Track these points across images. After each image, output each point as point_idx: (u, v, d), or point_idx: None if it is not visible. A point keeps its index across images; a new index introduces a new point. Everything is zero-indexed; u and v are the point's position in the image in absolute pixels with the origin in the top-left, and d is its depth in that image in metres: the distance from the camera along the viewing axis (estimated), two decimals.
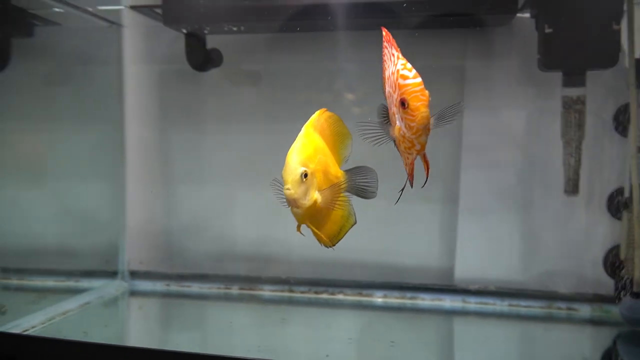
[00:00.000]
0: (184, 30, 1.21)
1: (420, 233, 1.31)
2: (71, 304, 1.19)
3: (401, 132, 0.71)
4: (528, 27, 1.17)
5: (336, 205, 0.80)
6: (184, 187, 1.39)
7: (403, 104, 0.69)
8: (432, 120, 0.72)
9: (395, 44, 0.73)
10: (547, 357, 1.07)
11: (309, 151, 0.75)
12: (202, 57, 1.20)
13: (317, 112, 0.80)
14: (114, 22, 1.30)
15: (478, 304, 1.25)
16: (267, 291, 1.32)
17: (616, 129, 1.20)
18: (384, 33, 0.74)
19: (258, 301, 1.30)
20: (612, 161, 1.22)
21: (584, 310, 1.21)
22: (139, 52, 1.35)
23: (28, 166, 1.32)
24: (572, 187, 1.13)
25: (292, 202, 0.74)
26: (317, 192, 0.76)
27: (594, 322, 1.20)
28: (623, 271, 1.15)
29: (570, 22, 1.07)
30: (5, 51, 1.24)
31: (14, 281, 1.29)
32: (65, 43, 1.31)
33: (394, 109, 0.72)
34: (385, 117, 0.77)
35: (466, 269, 1.27)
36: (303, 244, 1.33)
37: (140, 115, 1.38)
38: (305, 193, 0.74)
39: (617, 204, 1.19)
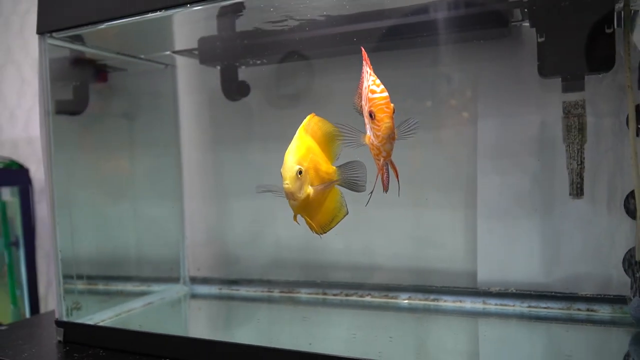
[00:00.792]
0: (218, 67, 1.39)
1: (444, 238, 1.38)
2: (136, 303, 1.42)
3: (370, 140, 0.84)
4: (533, 35, 1.21)
5: (326, 199, 0.94)
6: (234, 201, 1.58)
7: (371, 115, 0.82)
8: (396, 131, 0.84)
9: (369, 62, 0.86)
10: (567, 356, 1.10)
11: (302, 151, 0.90)
12: (232, 89, 1.38)
13: (307, 117, 0.94)
14: (168, 64, 1.53)
15: (498, 305, 1.30)
16: (303, 294, 1.46)
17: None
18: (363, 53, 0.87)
19: (295, 302, 1.44)
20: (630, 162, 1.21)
21: (604, 311, 1.21)
22: (191, 86, 1.57)
23: (107, 188, 1.57)
24: (576, 190, 1.15)
25: (289, 195, 0.89)
26: (310, 187, 0.90)
27: (614, 323, 1.19)
28: (638, 273, 1.14)
29: (563, 30, 1.10)
30: (85, 95, 1.50)
31: (96, 286, 1.54)
32: (131, 84, 1.56)
33: (365, 120, 0.85)
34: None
35: (488, 272, 1.32)
36: (336, 251, 1.47)
37: (194, 139, 1.59)
38: (300, 188, 0.89)
39: (633, 206, 1.18)
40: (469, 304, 1.32)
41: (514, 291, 1.29)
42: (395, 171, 0.90)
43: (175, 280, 1.57)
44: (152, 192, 1.57)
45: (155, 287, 1.54)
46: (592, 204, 1.23)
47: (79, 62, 1.45)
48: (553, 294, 1.26)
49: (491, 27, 1.17)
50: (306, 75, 1.45)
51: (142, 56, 1.47)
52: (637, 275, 1.14)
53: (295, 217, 0.93)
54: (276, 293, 1.49)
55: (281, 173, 0.89)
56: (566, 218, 1.26)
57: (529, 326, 1.24)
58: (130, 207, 1.56)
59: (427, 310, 1.34)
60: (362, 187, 0.95)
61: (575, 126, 1.14)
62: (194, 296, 1.55)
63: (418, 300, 1.36)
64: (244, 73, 1.45)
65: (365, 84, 0.84)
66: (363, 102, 0.84)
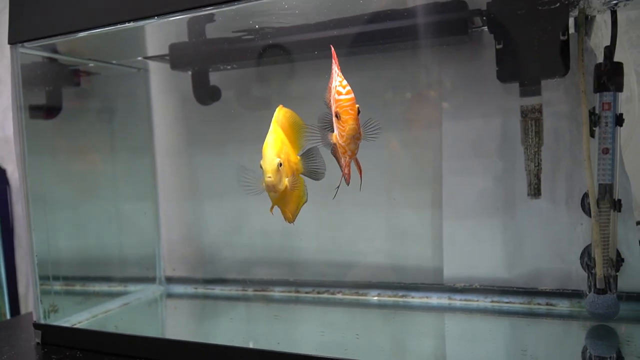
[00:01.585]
0: (189, 72, 1.42)
1: (412, 236, 1.43)
2: (113, 304, 1.45)
3: (336, 138, 0.88)
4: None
5: (296, 187, 0.98)
6: (208, 203, 1.61)
7: (337, 115, 0.85)
8: (362, 131, 0.87)
9: (337, 62, 0.89)
10: (524, 349, 1.15)
11: (278, 145, 0.94)
12: (203, 94, 1.41)
13: (277, 110, 0.98)
14: (140, 68, 1.55)
15: (463, 300, 1.35)
16: (277, 292, 1.50)
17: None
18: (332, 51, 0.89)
19: (269, 301, 1.48)
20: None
21: (563, 305, 1.27)
22: (164, 90, 1.59)
23: (81, 190, 1.59)
24: (533, 191, 1.20)
25: (271, 188, 0.94)
26: (286, 178, 0.94)
27: (572, 317, 1.25)
28: (594, 269, 1.19)
29: (518, 36, 1.15)
30: (58, 99, 1.51)
31: (71, 287, 1.56)
32: (104, 87, 1.58)
33: (333, 119, 0.88)
34: (326, 124, 0.93)
35: (454, 269, 1.37)
36: (308, 250, 1.51)
37: (168, 141, 1.62)
38: (280, 180, 0.93)
39: (588, 205, 1.23)
40: (435, 299, 1.37)
41: (478, 287, 1.34)
42: (359, 169, 0.93)
43: (151, 280, 1.60)
44: (127, 193, 1.60)
45: (131, 288, 1.57)
46: (552, 202, 1.28)
47: (52, 67, 1.47)
48: (515, 289, 1.31)
49: (451, 33, 1.21)
50: (277, 78, 1.49)
51: (114, 62, 1.49)
52: (593, 271, 1.19)
53: (272, 208, 0.96)
54: (250, 292, 1.53)
55: (261, 166, 0.91)
56: (527, 216, 1.31)
57: (492, 320, 1.29)
58: (105, 208, 1.59)
59: (396, 306, 1.38)
60: (322, 175, 0.99)
61: (532, 129, 1.19)
62: (169, 296, 1.59)
63: (387, 297, 1.41)
64: (215, 77, 1.47)
65: (332, 84, 0.87)
66: (331, 101, 0.87)
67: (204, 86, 1.41)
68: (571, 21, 1.18)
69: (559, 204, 1.28)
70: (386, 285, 1.42)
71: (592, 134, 1.22)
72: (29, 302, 2.08)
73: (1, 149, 2.10)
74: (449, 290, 1.36)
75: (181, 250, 1.63)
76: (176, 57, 1.37)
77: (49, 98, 1.47)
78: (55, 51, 1.38)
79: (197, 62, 1.37)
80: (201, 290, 1.58)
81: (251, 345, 1.12)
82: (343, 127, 0.84)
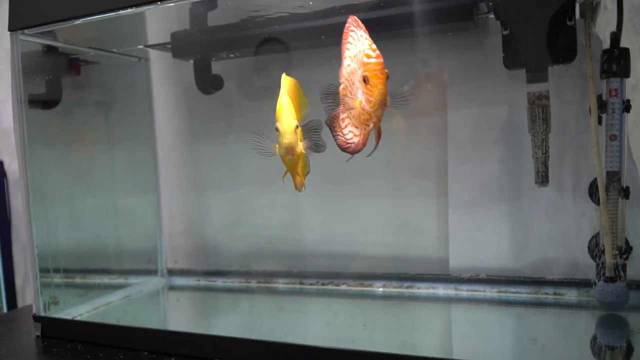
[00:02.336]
0: (191, 61, 1.40)
1: (417, 226, 1.41)
2: (114, 296, 1.43)
3: (362, 105, 0.84)
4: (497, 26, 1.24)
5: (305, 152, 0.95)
6: (210, 193, 1.59)
7: (365, 80, 0.81)
8: (388, 98, 0.84)
9: (364, 28, 0.86)
10: (533, 340, 1.14)
11: (292, 108, 0.91)
12: (205, 83, 1.39)
13: (283, 77, 0.95)
14: (141, 57, 1.53)
15: (469, 291, 1.33)
16: (280, 284, 1.48)
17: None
18: (350, 19, 0.86)
19: (273, 292, 1.47)
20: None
21: (571, 295, 1.26)
22: (166, 79, 1.58)
23: (82, 181, 1.57)
24: (541, 178, 1.18)
25: (289, 150, 0.91)
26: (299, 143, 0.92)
27: (580, 306, 1.24)
28: (602, 257, 1.18)
29: (525, 22, 1.13)
30: (58, 88, 1.49)
31: (72, 280, 1.54)
32: (104, 77, 1.56)
33: (357, 84, 0.84)
34: (329, 95, 0.91)
35: (460, 259, 1.36)
36: (311, 241, 1.49)
37: (170, 131, 1.60)
38: (296, 142, 0.91)
39: (595, 192, 1.22)
40: (441, 290, 1.36)
41: (485, 277, 1.33)
42: (379, 138, 0.89)
43: (153, 272, 1.58)
44: (129, 184, 1.58)
45: (132, 280, 1.55)
46: (559, 191, 1.27)
47: (52, 55, 1.44)
48: (522, 279, 1.30)
49: (457, 20, 1.19)
50: (281, 66, 1.46)
51: (115, 50, 1.47)
52: (601, 259, 1.18)
53: (284, 175, 0.96)
54: (254, 284, 1.51)
55: (277, 129, 0.89)
56: (534, 205, 1.30)
57: (499, 311, 1.28)
58: (106, 199, 1.57)
59: (401, 297, 1.37)
60: (323, 147, 0.96)
61: (539, 116, 1.17)
62: (172, 288, 1.57)
63: (393, 288, 1.40)
64: (217, 66, 1.45)
65: (358, 48, 0.83)
66: (353, 66, 0.84)
67: (206, 75, 1.39)
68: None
69: (565, 192, 1.27)
70: (391, 276, 1.41)
71: (599, 121, 1.21)
72: (26, 296, 2.06)
73: None
74: (455, 281, 1.35)
75: (183, 242, 1.61)
76: (178, 46, 1.35)
77: (48, 88, 1.45)
78: (55, 39, 1.36)
79: (199, 50, 1.35)
80: (203, 282, 1.56)
81: (283, 338, 1.10)
82: (371, 91, 0.80)
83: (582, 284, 1.25)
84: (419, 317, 1.29)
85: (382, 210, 1.43)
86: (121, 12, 1.14)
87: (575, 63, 1.15)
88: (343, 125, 0.89)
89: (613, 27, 1.15)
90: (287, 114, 0.89)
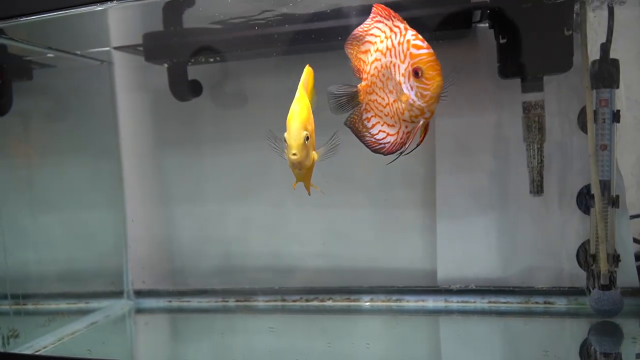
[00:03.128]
0: (165, 65, 1.30)
1: (404, 238, 1.38)
2: (80, 324, 1.29)
3: (410, 100, 0.76)
4: (491, 36, 1.23)
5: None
6: (180, 207, 1.49)
7: (417, 73, 0.73)
8: None
9: (399, 17, 0.78)
10: (524, 351, 1.13)
11: (305, 114, 0.82)
12: (183, 89, 1.29)
13: (305, 71, 0.86)
14: (104, 61, 1.40)
15: (459, 302, 1.31)
16: (261, 302, 1.40)
17: (582, 128, 1.25)
18: (376, 8, 0.78)
19: (254, 311, 1.38)
20: (579, 159, 1.26)
21: (560, 303, 1.26)
22: (131, 85, 1.46)
23: (37, 198, 1.42)
24: (536, 188, 1.19)
25: (297, 165, 0.82)
26: (314, 152, 0.84)
27: (570, 314, 1.25)
28: (593, 265, 1.19)
29: (523, 32, 1.13)
30: (8, 94, 1.34)
31: (29, 306, 1.39)
32: (61, 82, 1.42)
33: (400, 79, 0.76)
34: (340, 96, 0.84)
35: (447, 270, 1.33)
36: (292, 255, 1.43)
37: (135, 143, 1.48)
38: (307, 155, 0.82)
39: (585, 201, 1.24)
40: (431, 302, 1.33)
41: (474, 287, 1.32)
42: (426, 132, 0.81)
43: (118, 295, 1.45)
44: (90, 199, 1.44)
45: (97, 304, 1.42)
46: (544, 200, 1.28)
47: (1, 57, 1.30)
48: (511, 288, 1.30)
49: (455, 27, 1.17)
50: (261, 72, 1.39)
51: (78, 52, 1.34)
52: (592, 267, 1.19)
53: (295, 184, 0.88)
54: (232, 302, 1.42)
55: (285, 140, 0.80)
56: (521, 214, 1.30)
57: (490, 321, 1.27)
58: (65, 216, 1.43)
59: (390, 311, 1.33)
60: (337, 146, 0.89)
61: (535, 125, 1.18)
62: (141, 311, 1.45)
63: (380, 302, 1.35)
64: (191, 71, 1.36)
65: (397, 39, 0.75)
66: (388, 60, 0.76)
67: (183, 80, 1.29)
68: None
69: (552, 201, 1.28)
70: (379, 290, 1.36)
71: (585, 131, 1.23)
72: None
73: None
74: (444, 293, 1.33)
75: (151, 261, 1.49)
76: (151, 48, 1.24)
77: None
78: (6, 37, 1.21)
79: (175, 53, 1.25)
80: (176, 303, 1.45)
81: None
82: (428, 85, 0.73)
83: (571, 292, 1.26)
84: (414, 332, 1.26)
85: (367, 221, 1.38)
86: (82, 9, 1.03)
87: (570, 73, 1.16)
88: (370, 126, 0.83)
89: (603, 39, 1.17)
90: (295, 123, 0.80)
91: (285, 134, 0.81)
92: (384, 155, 0.82)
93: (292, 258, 1.43)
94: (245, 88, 1.44)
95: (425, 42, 0.73)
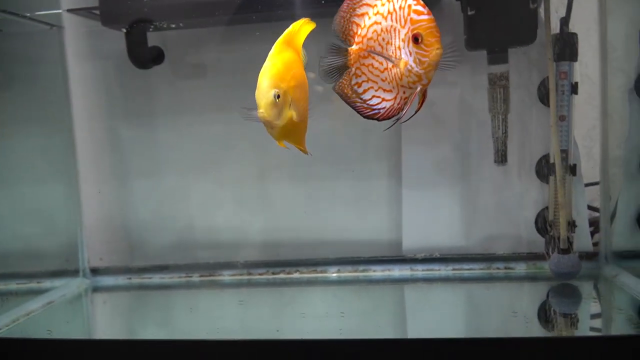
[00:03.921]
0: (124, 30, 1.23)
1: (369, 209, 1.39)
2: (34, 304, 1.22)
3: (408, 66, 0.75)
4: (456, 9, 1.24)
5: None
6: (138, 181, 1.43)
7: (417, 39, 0.72)
8: None
9: None
10: (488, 313, 1.17)
11: (278, 70, 0.77)
12: (143, 56, 1.23)
13: (296, 23, 0.82)
14: (54, 25, 1.31)
15: (425, 270, 1.34)
16: (226, 276, 1.38)
17: (541, 100, 1.30)
18: None
19: (219, 286, 1.36)
20: (538, 130, 1.31)
21: (520, 268, 1.32)
22: (83, 52, 1.37)
23: None
24: (500, 157, 1.22)
25: (266, 124, 0.78)
26: (292, 110, 0.79)
27: (529, 278, 1.31)
28: (552, 231, 1.25)
29: (490, 4, 1.15)
30: None
31: None
32: (6, 48, 1.31)
33: (400, 44, 0.75)
34: (335, 54, 0.82)
35: (413, 239, 1.36)
36: (257, 228, 1.41)
37: (89, 114, 1.40)
38: (279, 114, 0.78)
39: (544, 170, 1.29)
40: (397, 271, 1.35)
41: (438, 256, 1.35)
42: (424, 100, 0.80)
43: (73, 273, 1.38)
44: (41, 174, 1.36)
45: (51, 283, 1.34)
46: (505, 170, 1.32)
47: None
48: (473, 255, 1.34)
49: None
50: (223, 41, 1.35)
51: (22, 14, 1.23)
52: (551, 233, 1.25)
53: (280, 143, 0.83)
54: (195, 277, 1.38)
55: (256, 98, 0.77)
56: (482, 185, 1.34)
57: (454, 287, 1.31)
58: (11, 191, 1.34)
59: (357, 281, 1.34)
60: None
61: (500, 97, 1.21)
62: (98, 289, 1.38)
63: (348, 273, 1.36)
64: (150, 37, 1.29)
65: (398, 4, 0.74)
66: (388, 23, 0.75)
67: (144, 46, 1.23)
68: None
69: (512, 171, 1.32)
70: (345, 261, 1.37)
71: (545, 103, 1.28)
72: None
73: None
74: (410, 262, 1.35)
75: (109, 237, 1.43)
76: (110, 11, 1.17)
77: None
78: None
79: (136, 17, 1.19)
80: (136, 280, 1.40)
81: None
82: (427, 51, 0.72)
83: (530, 257, 1.32)
84: (387, 299, 1.27)
85: (334, 193, 1.38)
86: None
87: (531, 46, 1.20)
88: (361, 91, 0.81)
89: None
90: (263, 82, 0.76)
91: (256, 93, 0.78)
92: (378, 121, 0.81)
93: (257, 232, 1.41)
94: (209, 57, 1.39)
95: (426, 8, 0.72)
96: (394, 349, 0.88)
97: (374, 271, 1.36)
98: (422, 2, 0.73)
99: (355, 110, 0.82)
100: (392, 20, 0.75)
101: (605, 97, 1.28)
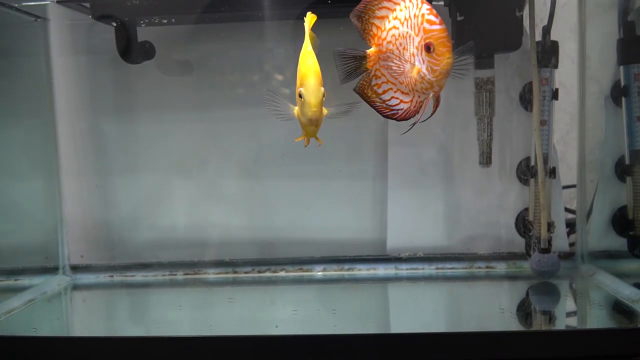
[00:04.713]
0: (114, 24, 1.21)
1: (355, 209, 1.41)
2: (15, 302, 1.19)
3: (421, 73, 0.78)
4: (445, 14, 1.27)
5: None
6: (121, 178, 1.41)
7: (429, 48, 0.76)
8: None
9: None
10: (470, 311, 1.20)
11: (318, 68, 0.81)
12: (133, 50, 1.21)
13: (309, 19, 0.84)
14: (39, 17, 1.28)
15: (409, 269, 1.37)
16: (211, 274, 1.37)
17: (523, 105, 1.34)
18: None
19: (205, 284, 1.35)
20: (519, 134, 1.36)
21: (500, 267, 1.36)
22: (68, 45, 1.34)
23: None
24: (485, 159, 1.26)
25: (314, 122, 0.81)
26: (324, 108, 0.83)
27: (509, 277, 1.35)
28: (532, 231, 1.29)
29: (478, 10, 1.19)
30: None
31: None
32: None
33: (414, 51, 0.78)
34: (344, 61, 0.84)
35: (397, 239, 1.38)
36: (243, 227, 1.41)
37: (72, 108, 1.37)
38: (322, 111, 0.82)
39: (524, 172, 1.34)
40: (382, 270, 1.37)
41: (422, 255, 1.38)
42: (437, 105, 0.85)
43: (52, 270, 1.35)
44: (20, 169, 1.32)
45: (29, 281, 1.31)
46: (487, 172, 1.36)
47: None
48: (456, 255, 1.37)
49: None
50: (210, 38, 1.35)
51: (15, 5, 1.20)
52: (531, 233, 1.29)
53: (307, 142, 0.87)
54: (180, 276, 1.37)
55: (301, 94, 0.79)
56: (465, 186, 1.38)
57: (438, 286, 1.34)
58: None
59: (342, 280, 1.36)
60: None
61: (485, 100, 1.24)
62: (79, 287, 1.35)
63: (333, 272, 1.38)
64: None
65: (412, 12, 0.77)
66: (403, 30, 0.78)
67: (134, 41, 1.21)
68: None
69: (493, 174, 1.37)
70: (330, 260, 1.38)
71: (528, 108, 1.33)
72: None
73: None
74: (394, 261, 1.38)
75: (90, 233, 1.40)
76: (101, 3, 1.16)
77: None
78: None
79: (129, 10, 1.17)
80: (118, 278, 1.37)
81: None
82: (438, 60, 0.75)
83: (510, 257, 1.36)
84: (361, 298, 1.29)
85: (320, 192, 1.39)
86: None
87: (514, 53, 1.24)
88: (381, 92, 0.84)
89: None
90: (314, 81, 0.79)
91: (302, 90, 0.80)
92: (397, 121, 0.84)
93: (242, 230, 1.41)
94: (198, 54, 1.39)
95: (439, 18, 0.75)
96: (380, 344, 0.90)
97: (359, 270, 1.38)
98: (434, 12, 0.76)
99: (375, 109, 0.84)
100: (408, 26, 0.78)
101: (582, 104, 1.33)
